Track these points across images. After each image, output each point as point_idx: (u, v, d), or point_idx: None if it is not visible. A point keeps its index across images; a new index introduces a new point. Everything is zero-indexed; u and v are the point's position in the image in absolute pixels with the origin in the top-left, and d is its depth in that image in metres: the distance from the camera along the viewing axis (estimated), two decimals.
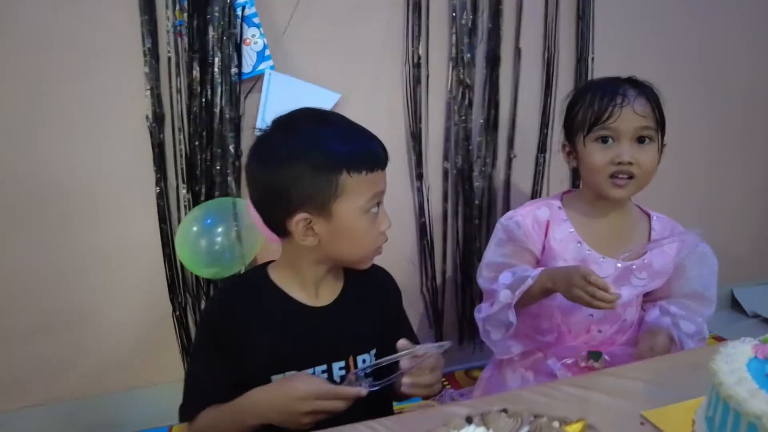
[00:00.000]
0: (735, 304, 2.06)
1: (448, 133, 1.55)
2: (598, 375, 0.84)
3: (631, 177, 0.95)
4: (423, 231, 1.60)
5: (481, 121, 1.55)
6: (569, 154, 1.04)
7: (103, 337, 1.47)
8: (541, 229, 1.03)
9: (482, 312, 1.04)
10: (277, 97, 1.25)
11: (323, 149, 0.76)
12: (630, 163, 0.93)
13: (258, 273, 0.88)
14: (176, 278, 1.43)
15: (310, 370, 0.82)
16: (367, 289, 0.90)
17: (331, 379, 0.83)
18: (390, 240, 0.86)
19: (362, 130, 0.82)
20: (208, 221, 1.25)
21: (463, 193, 1.58)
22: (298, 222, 0.77)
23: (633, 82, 0.99)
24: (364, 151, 0.78)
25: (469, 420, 0.54)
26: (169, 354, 1.50)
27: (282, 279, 0.85)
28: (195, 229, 1.25)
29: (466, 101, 1.51)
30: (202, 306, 1.45)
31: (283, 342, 0.82)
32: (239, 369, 0.81)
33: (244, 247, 1.22)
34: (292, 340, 0.82)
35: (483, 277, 1.07)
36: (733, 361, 0.67)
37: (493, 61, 1.52)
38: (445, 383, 1.62)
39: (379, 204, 0.81)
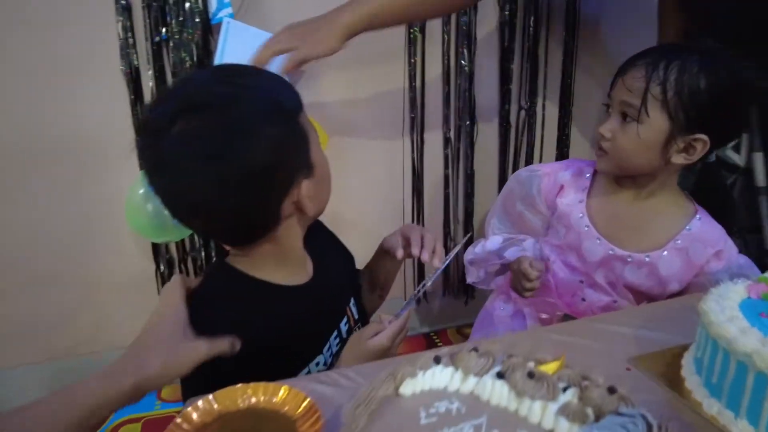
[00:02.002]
0: None
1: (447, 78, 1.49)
2: (585, 321, 0.80)
3: (606, 151, 0.89)
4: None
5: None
6: None
7: (91, 296, 1.45)
8: (554, 190, 0.99)
9: (475, 247, 1.06)
10: (237, 49, 1.04)
11: (277, 102, 0.66)
12: (603, 136, 0.88)
13: (233, 278, 0.72)
14: None
15: (326, 345, 0.77)
16: (321, 240, 0.85)
17: (341, 338, 0.80)
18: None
19: (266, 72, 0.75)
20: None
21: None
22: (303, 195, 0.67)
23: (680, 49, 0.85)
24: (289, 87, 0.71)
25: (437, 360, 0.51)
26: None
27: (265, 272, 0.73)
28: (141, 191, 1.11)
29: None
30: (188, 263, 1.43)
31: (295, 332, 0.73)
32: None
33: None
34: (302, 326, 0.73)
35: (490, 222, 1.08)
36: (725, 300, 0.63)
37: None
38: (437, 341, 1.61)
39: None
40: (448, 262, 0.83)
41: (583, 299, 0.99)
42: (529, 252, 0.99)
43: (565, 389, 0.46)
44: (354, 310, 0.86)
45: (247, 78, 0.68)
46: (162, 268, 1.43)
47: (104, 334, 1.47)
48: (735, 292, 0.65)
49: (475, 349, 0.51)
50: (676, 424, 0.42)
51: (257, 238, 0.70)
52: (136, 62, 1.27)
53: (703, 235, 0.90)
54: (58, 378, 1.45)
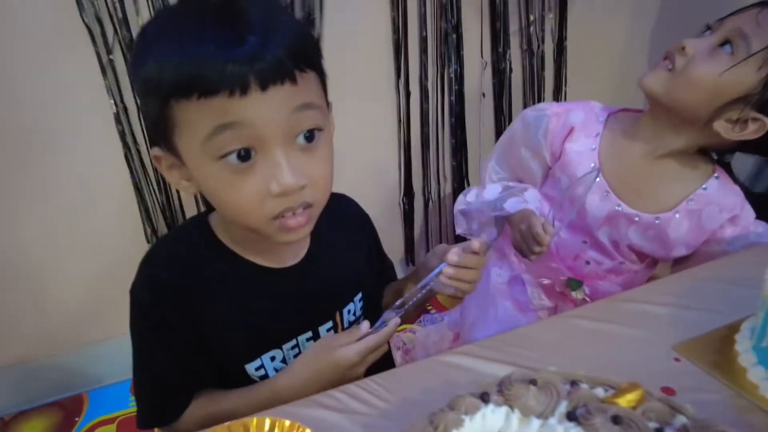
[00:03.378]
0: None
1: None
2: (611, 302, 0.71)
3: (673, 67, 0.77)
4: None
5: None
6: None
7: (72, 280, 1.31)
8: (563, 134, 0.86)
9: (467, 195, 0.96)
10: None
11: (149, 63, 0.49)
12: (683, 49, 0.77)
13: (197, 235, 0.64)
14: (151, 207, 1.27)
15: (292, 342, 0.65)
16: (337, 229, 0.70)
17: None
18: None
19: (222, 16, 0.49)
20: None
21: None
22: (156, 161, 0.56)
23: None
24: (198, 66, 0.47)
25: (485, 398, 0.40)
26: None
27: (234, 240, 0.63)
28: None
29: None
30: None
31: (254, 318, 0.62)
32: (201, 362, 0.62)
33: None
34: (264, 314, 0.63)
35: (487, 166, 0.97)
36: None
37: None
38: (428, 305, 1.53)
39: (250, 149, 0.50)
40: (437, 271, 0.65)
41: (587, 262, 0.91)
42: (531, 204, 0.87)
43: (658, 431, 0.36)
44: (346, 317, 0.70)
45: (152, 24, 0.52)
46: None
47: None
48: None
49: (533, 382, 0.40)
50: None
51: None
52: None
53: (720, 198, 0.82)
54: None
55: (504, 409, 0.39)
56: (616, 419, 0.36)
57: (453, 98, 1.43)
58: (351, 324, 0.69)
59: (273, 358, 0.64)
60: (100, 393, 1.39)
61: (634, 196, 0.84)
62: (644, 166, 0.83)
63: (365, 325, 0.61)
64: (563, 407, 0.39)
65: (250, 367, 0.63)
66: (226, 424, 0.49)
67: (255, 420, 0.49)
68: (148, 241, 1.30)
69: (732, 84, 0.73)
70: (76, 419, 1.32)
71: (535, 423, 0.39)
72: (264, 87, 0.47)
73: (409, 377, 0.59)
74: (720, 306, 0.66)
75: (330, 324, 0.68)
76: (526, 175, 0.93)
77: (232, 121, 0.48)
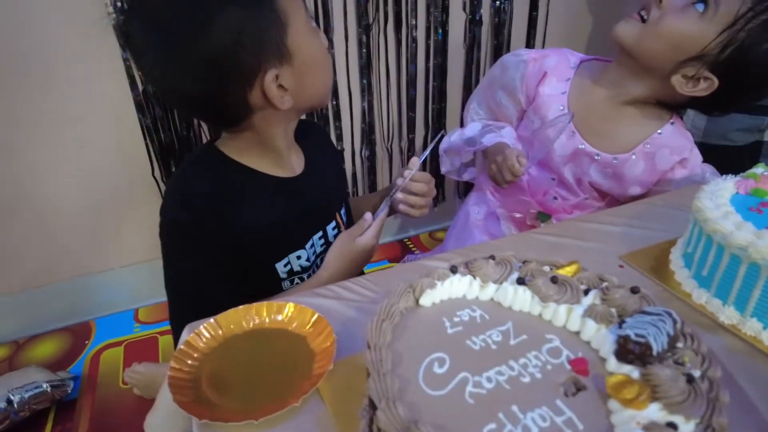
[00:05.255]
0: None
1: None
2: (571, 221, 0.81)
3: (643, 20, 0.83)
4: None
5: None
6: None
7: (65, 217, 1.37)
8: (537, 77, 0.94)
9: (452, 135, 1.04)
10: None
11: None
12: (659, 2, 0.82)
13: (215, 159, 0.71)
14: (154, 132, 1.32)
15: (310, 241, 0.77)
16: (316, 140, 0.84)
17: (326, 241, 0.80)
18: None
19: None
20: None
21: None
22: (269, 85, 0.62)
23: None
24: None
25: (453, 270, 0.50)
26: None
27: (251, 160, 0.71)
28: None
29: None
30: None
31: (278, 222, 0.73)
32: (236, 267, 0.71)
33: None
34: (285, 218, 0.73)
35: (470, 106, 1.05)
36: (717, 197, 0.64)
37: None
38: (412, 246, 1.63)
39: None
40: (425, 155, 0.82)
41: (555, 198, 1.00)
42: (507, 139, 0.96)
43: (586, 292, 0.47)
44: (344, 218, 0.85)
45: None
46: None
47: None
48: (725, 188, 0.66)
49: (492, 257, 0.50)
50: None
51: (233, 125, 0.69)
52: None
53: (672, 141, 0.90)
54: None
55: (468, 277, 0.49)
56: (553, 279, 0.46)
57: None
58: (346, 222, 0.82)
59: (299, 257, 0.76)
60: (105, 321, 1.49)
61: (596, 136, 0.92)
62: (607, 110, 0.91)
63: (368, 214, 0.75)
64: (515, 276, 0.49)
65: (279, 265, 0.74)
66: (242, 307, 0.59)
67: (265, 304, 0.59)
68: (154, 178, 1.37)
69: (693, 41, 0.79)
70: (86, 342, 1.42)
71: (492, 287, 0.49)
72: None
73: (394, 274, 0.69)
74: (665, 226, 0.76)
75: (334, 224, 0.80)
76: (502, 115, 1.02)
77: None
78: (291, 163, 0.76)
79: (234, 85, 0.62)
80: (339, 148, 1.51)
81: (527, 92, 0.95)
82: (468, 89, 1.55)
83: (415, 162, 0.78)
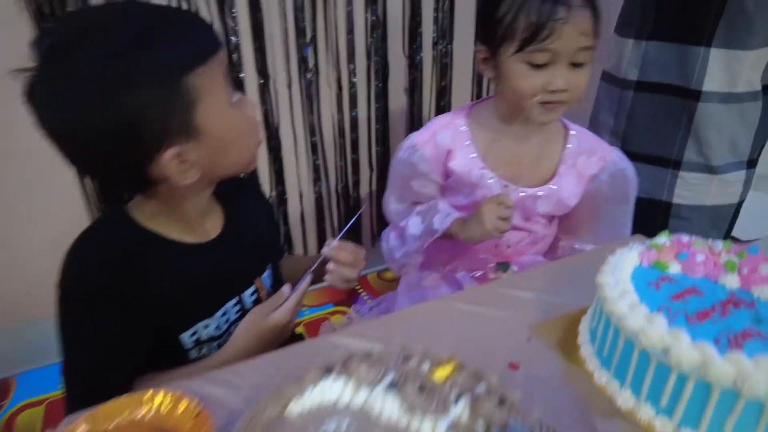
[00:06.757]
0: None
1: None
2: (492, 287, 0.80)
3: (563, 102, 0.82)
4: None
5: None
6: (486, 61, 0.86)
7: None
8: (442, 157, 0.92)
9: (390, 242, 1.00)
10: None
11: (152, 59, 0.56)
12: (564, 90, 0.80)
13: (119, 224, 0.69)
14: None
15: (222, 309, 0.74)
16: (244, 199, 0.81)
17: (243, 308, 0.77)
18: None
19: (174, 11, 0.65)
20: None
21: None
22: (167, 163, 0.61)
23: None
24: (195, 37, 0.61)
25: (328, 370, 0.48)
26: None
27: (158, 225, 0.69)
28: None
29: None
30: None
31: (183, 290, 0.70)
32: (136, 341, 0.68)
33: None
34: (192, 286, 0.70)
35: (392, 210, 1.00)
36: (619, 271, 0.64)
37: None
38: (359, 290, 1.60)
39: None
40: (346, 229, 0.80)
41: (508, 246, 0.99)
42: (448, 211, 0.95)
43: (457, 398, 0.45)
44: (268, 282, 0.81)
45: (139, 25, 0.57)
46: None
47: None
48: (629, 260, 0.66)
49: (369, 355, 0.48)
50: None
51: (135, 192, 0.68)
52: None
53: (583, 147, 0.92)
54: None
55: (341, 380, 0.47)
56: (422, 387, 0.44)
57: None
58: (272, 287, 0.79)
59: (207, 326, 0.73)
60: (27, 376, 1.38)
61: (527, 174, 0.92)
62: (519, 147, 0.91)
63: (286, 287, 0.72)
64: (390, 377, 0.47)
65: (185, 335, 0.71)
66: (122, 398, 0.56)
67: (151, 392, 0.56)
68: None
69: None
70: (2, 403, 1.32)
71: (363, 393, 0.47)
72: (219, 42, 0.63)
73: (298, 354, 0.67)
74: (582, 291, 0.75)
75: (252, 289, 0.77)
76: (426, 199, 0.99)
77: (226, 69, 0.64)
78: (204, 228, 0.74)
79: (133, 158, 0.60)
80: (277, 191, 1.49)
81: (439, 171, 0.94)
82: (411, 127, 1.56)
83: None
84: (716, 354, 0.51)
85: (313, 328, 1.42)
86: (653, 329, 0.54)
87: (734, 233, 1.22)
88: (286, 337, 0.74)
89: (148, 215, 0.69)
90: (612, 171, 0.92)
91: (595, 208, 0.95)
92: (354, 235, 1.68)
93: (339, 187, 1.58)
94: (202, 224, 0.73)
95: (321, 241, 1.56)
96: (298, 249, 1.58)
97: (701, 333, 0.55)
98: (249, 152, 0.70)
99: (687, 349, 0.51)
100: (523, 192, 0.92)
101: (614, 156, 0.93)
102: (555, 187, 0.91)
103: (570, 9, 0.75)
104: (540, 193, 0.92)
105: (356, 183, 1.55)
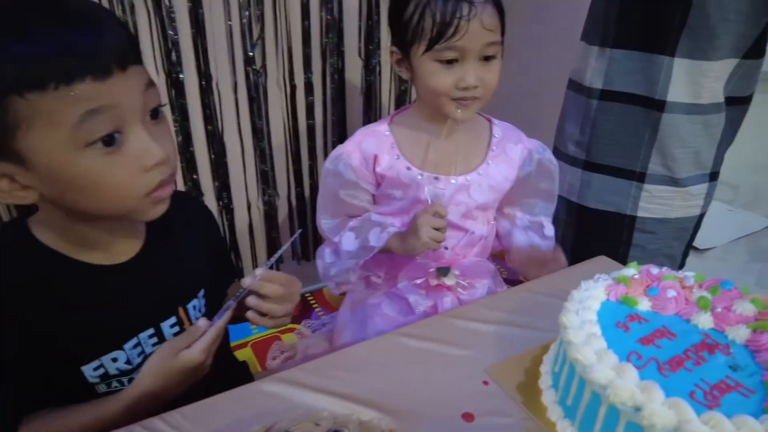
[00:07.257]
0: None
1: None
2: (445, 317, 0.73)
3: (476, 97, 0.82)
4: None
5: None
6: (400, 62, 0.85)
7: None
8: (369, 163, 0.89)
9: (326, 259, 0.95)
10: None
11: None
12: (476, 87, 0.80)
13: (18, 238, 0.61)
14: None
15: (134, 340, 0.63)
16: (179, 226, 0.70)
17: (162, 341, 0.66)
18: None
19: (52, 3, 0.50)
20: None
21: None
22: None
23: None
24: (52, 53, 0.48)
25: None
26: None
27: (56, 241, 0.60)
28: None
29: None
30: None
31: (85, 318, 0.60)
32: (29, 374, 0.58)
33: None
34: (96, 313, 0.61)
35: (324, 225, 0.95)
36: (585, 309, 0.57)
37: None
38: (314, 304, 1.52)
39: (121, 129, 0.52)
40: (276, 255, 0.71)
41: (445, 248, 0.94)
42: (384, 225, 0.91)
43: None
44: (192, 313, 0.70)
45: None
46: None
47: None
48: (595, 296, 0.60)
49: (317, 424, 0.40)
50: None
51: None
52: None
53: (506, 135, 0.93)
54: None
55: None
56: None
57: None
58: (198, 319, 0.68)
59: (115, 360, 0.62)
60: None
61: (458, 169, 0.89)
62: (446, 143, 0.88)
63: (202, 321, 0.63)
64: None
65: (88, 368, 0.60)
66: None
67: None
68: None
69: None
70: None
71: None
72: (124, 67, 0.51)
73: (222, 407, 0.58)
74: (546, 322, 0.68)
75: (173, 320, 0.67)
76: (358, 210, 0.95)
77: (102, 105, 0.50)
78: (112, 250, 0.63)
79: None
80: (222, 201, 1.38)
81: (368, 179, 0.91)
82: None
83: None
84: (692, 414, 0.45)
85: (262, 349, 1.32)
86: (623, 383, 0.47)
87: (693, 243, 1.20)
88: (200, 377, 0.63)
89: (48, 234, 0.60)
90: (538, 159, 0.94)
91: (528, 190, 0.96)
92: (303, 250, 1.59)
93: (291, 196, 1.48)
94: (109, 246, 0.62)
95: (271, 255, 1.46)
96: (247, 263, 1.48)
97: (675, 385, 0.49)
98: (118, 207, 0.57)
99: (661, 409, 0.45)
100: (454, 180, 0.89)
101: (536, 144, 0.95)
102: (488, 167, 0.91)
103: (473, 5, 0.75)
104: (470, 178, 0.90)
105: (314, 189, 1.46)
